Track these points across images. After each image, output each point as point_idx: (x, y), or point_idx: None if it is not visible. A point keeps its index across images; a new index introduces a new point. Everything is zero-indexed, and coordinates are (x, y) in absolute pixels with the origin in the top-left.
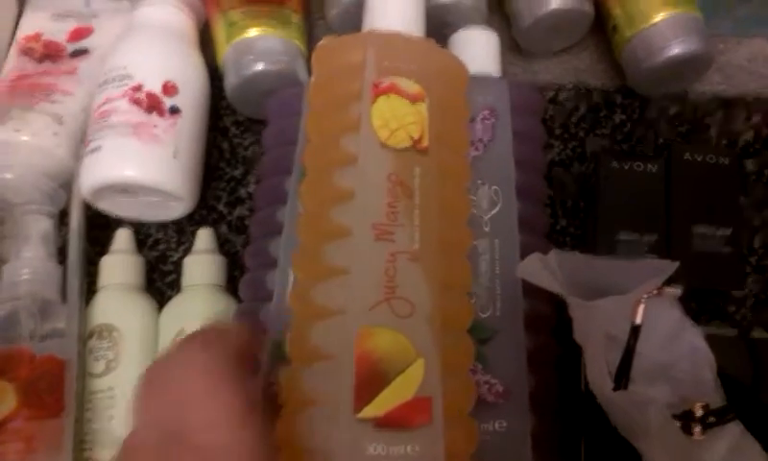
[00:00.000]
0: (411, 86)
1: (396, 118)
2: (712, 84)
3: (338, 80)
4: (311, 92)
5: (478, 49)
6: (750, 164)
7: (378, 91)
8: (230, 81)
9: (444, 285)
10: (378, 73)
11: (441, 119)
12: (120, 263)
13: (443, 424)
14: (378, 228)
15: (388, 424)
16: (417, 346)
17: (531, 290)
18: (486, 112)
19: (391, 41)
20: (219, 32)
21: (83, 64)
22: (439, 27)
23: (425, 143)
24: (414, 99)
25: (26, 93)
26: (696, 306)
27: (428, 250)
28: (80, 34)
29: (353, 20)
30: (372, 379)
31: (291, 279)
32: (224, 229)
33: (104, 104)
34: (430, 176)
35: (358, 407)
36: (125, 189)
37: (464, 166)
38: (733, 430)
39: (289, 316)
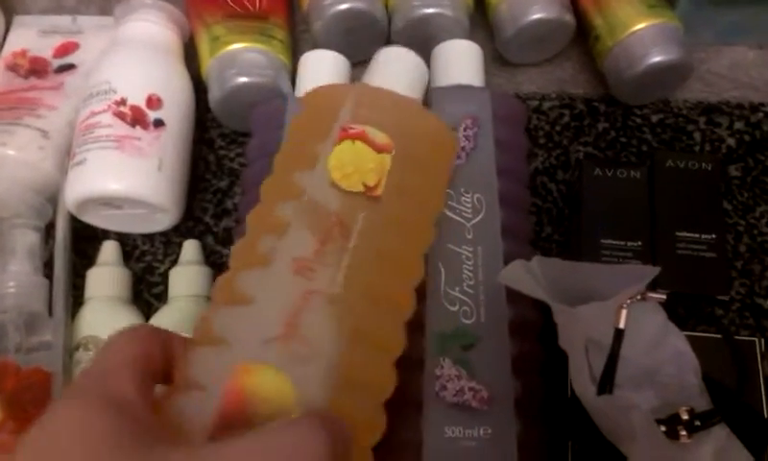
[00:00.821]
0: (380, 137)
1: (354, 163)
2: (694, 92)
3: (313, 120)
4: (289, 129)
5: (461, 60)
6: (733, 170)
7: (345, 135)
8: (214, 94)
9: (364, 342)
10: (351, 119)
11: (406, 175)
12: (106, 275)
13: None
14: (300, 262)
15: None
16: (301, 395)
17: (516, 296)
18: (468, 122)
19: (375, 94)
20: (203, 46)
21: (68, 79)
22: (422, 40)
23: (379, 192)
24: (380, 149)
25: (12, 108)
26: (684, 312)
27: (352, 299)
28: (66, 49)
29: (337, 33)
30: (234, 418)
31: None
32: (210, 240)
33: (88, 118)
34: (376, 225)
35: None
36: (110, 202)
37: (425, 227)
38: (719, 434)
39: None
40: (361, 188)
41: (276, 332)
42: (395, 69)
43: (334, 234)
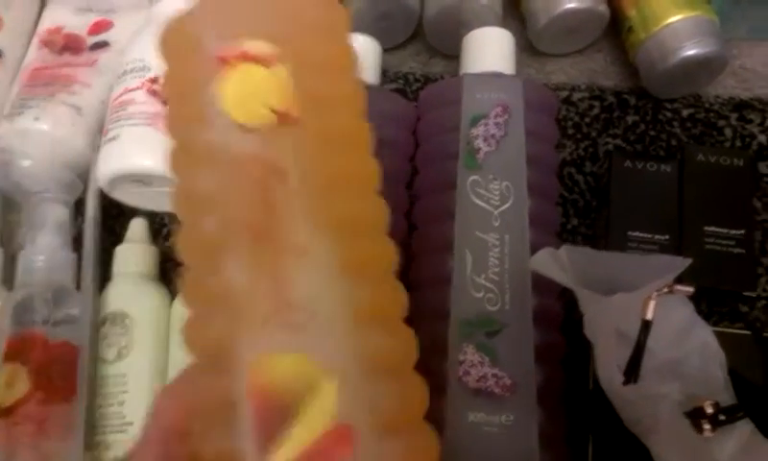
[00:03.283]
0: (263, 48)
1: (251, 92)
2: (726, 88)
3: (182, 64)
4: (163, 86)
5: (493, 47)
6: (764, 167)
7: (224, 63)
8: None
9: (355, 276)
10: (222, 41)
11: (312, 79)
12: (134, 252)
13: (379, 444)
14: (253, 229)
15: None
16: (325, 361)
17: (541, 286)
18: (499, 109)
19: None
20: None
21: (102, 57)
22: (454, 27)
23: (294, 113)
24: (269, 62)
25: (46, 84)
26: (707, 307)
27: (321, 241)
28: (100, 27)
29: (370, 18)
30: (275, 418)
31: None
32: None
33: (122, 95)
34: (309, 151)
35: (263, 458)
36: (140, 179)
37: (357, 128)
38: (743, 429)
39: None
40: (272, 118)
41: (266, 315)
42: None
43: (271, 183)
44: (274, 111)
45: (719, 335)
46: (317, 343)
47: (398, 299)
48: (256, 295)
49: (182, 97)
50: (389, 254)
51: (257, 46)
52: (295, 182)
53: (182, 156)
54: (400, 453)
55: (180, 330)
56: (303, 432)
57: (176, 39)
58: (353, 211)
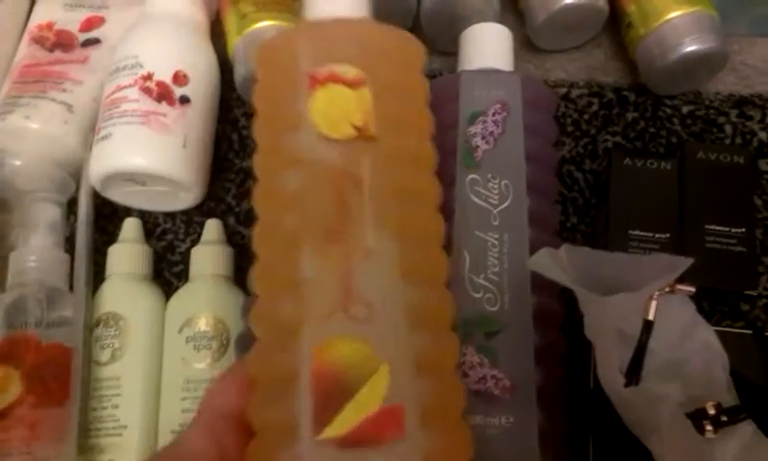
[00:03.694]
0: (350, 72)
1: (337, 108)
2: (726, 85)
3: (276, 78)
4: (255, 96)
5: (490, 44)
6: (764, 165)
7: (315, 82)
8: (240, 72)
9: (412, 280)
10: (314, 63)
11: (389, 103)
12: (128, 252)
13: (421, 434)
14: (328, 229)
15: (353, 442)
16: (380, 350)
17: (540, 285)
18: (497, 107)
19: (326, 27)
20: (230, 23)
21: (94, 54)
22: (451, 21)
23: (372, 131)
24: (354, 84)
25: (37, 81)
26: (708, 306)
27: (386, 245)
28: (92, 23)
29: None
30: (331, 395)
31: None
32: (231, 220)
33: (114, 92)
34: (382, 165)
35: (318, 429)
36: (133, 178)
37: (424, 150)
38: (745, 430)
39: None
40: (353, 133)
41: (333, 305)
42: None
43: (347, 190)
44: (355, 127)
45: (720, 335)
46: (375, 334)
47: (447, 305)
48: (325, 287)
49: (274, 106)
50: (443, 264)
51: (345, 69)
52: (367, 191)
53: (269, 157)
54: (438, 446)
55: (248, 312)
56: (356, 410)
57: (273, 55)
58: (416, 222)
